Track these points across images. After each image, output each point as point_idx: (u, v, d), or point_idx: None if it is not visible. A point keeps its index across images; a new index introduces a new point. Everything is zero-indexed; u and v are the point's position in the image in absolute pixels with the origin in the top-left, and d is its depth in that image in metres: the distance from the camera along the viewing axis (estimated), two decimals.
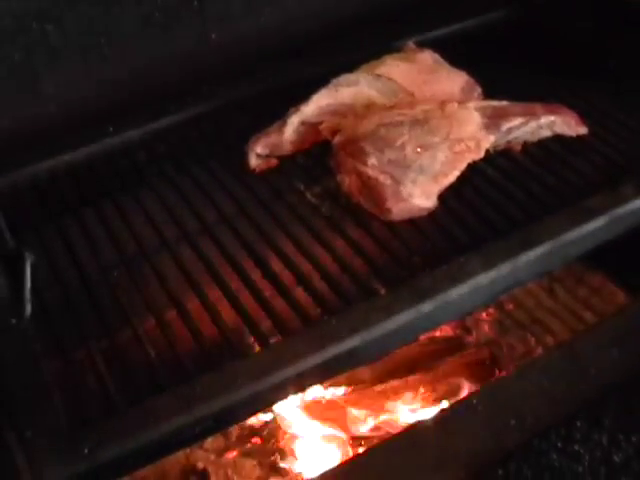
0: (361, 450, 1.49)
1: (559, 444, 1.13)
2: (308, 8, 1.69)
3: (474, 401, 1.18)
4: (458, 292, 1.12)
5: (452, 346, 1.87)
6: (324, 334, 1.06)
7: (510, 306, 1.95)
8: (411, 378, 1.75)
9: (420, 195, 1.24)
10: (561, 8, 1.74)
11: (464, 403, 1.20)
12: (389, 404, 1.69)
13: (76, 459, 0.94)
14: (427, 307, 1.10)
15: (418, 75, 1.46)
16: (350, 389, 1.73)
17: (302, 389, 1.08)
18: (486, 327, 1.91)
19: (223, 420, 1.02)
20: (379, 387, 1.73)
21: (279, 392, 1.04)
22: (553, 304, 1.95)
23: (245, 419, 1.39)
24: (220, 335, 1.10)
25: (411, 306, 1.10)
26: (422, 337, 1.86)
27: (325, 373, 1.08)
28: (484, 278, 1.14)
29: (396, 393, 1.71)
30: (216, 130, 1.48)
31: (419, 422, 1.21)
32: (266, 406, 1.08)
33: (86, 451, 0.94)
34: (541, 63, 1.61)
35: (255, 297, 1.15)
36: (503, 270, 1.15)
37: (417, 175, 1.25)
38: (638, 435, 1.15)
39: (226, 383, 1.01)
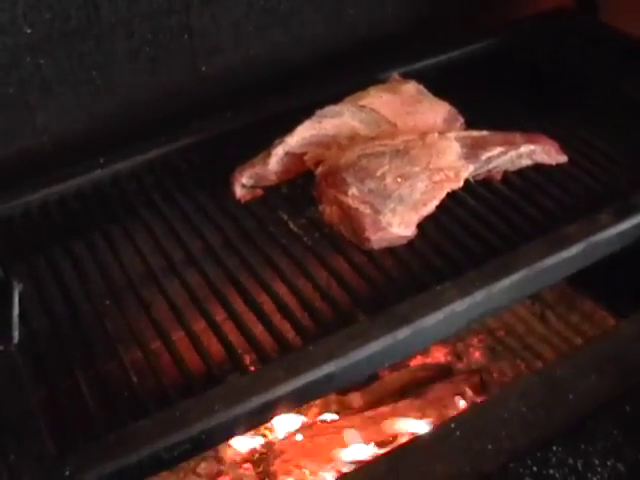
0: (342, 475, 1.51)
1: (534, 468, 1.14)
2: (296, 41, 1.72)
3: (452, 426, 1.19)
4: (434, 319, 1.15)
5: (443, 372, 1.89)
6: (301, 360, 1.09)
7: (501, 332, 1.97)
8: (401, 404, 1.77)
9: (399, 224, 1.26)
10: (545, 39, 1.77)
11: (442, 428, 1.22)
12: (379, 430, 1.71)
13: None
14: (403, 334, 1.12)
15: (401, 106, 1.48)
16: (341, 415, 1.75)
17: (280, 414, 1.09)
18: (477, 353, 1.93)
19: (201, 444, 1.03)
20: (369, 413, 1.75)
21: (256, 417, 1.06)
22: (544, 330, 1.97)
23: (223, 443, 1.41)
24: (202, 363, 1.13)
25: (387, 333, 1.12)
26: (413, 363, 1.89)
27: (302, 398, 1.11)
28: (459, 305, 1.16)
29: (386, 419, 1.72)
30: (204, 161, 1.50)
31: (397, 447, 1.23)
32: (244, 430, 1.10)
33: (67, 474, 0.97)
34: (525, 93, 1.64)
35: (237, 326, 1.18)
36: (478, 297, 1.17)
37: (397, 205, 1.27)
38: (613, 460, 1.16)
39: (204, 408, 1.03)
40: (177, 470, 1.68)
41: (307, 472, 1.63)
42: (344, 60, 1.72)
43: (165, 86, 1.62)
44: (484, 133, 1.41)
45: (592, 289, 1.94)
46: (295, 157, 1.41)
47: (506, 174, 1.41)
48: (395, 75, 1.60)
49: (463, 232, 1.31)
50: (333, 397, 1.77)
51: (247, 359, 1.15)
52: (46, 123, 1.53)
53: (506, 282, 1.19)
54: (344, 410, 1.76)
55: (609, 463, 1.15)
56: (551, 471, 1.14)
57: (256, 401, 1.04)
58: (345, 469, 1.61)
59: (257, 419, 1.08)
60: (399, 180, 1.30)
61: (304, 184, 1.41)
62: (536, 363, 1.88)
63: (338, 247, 1.30)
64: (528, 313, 2.01)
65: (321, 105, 1.47)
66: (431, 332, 1.16)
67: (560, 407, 1.22)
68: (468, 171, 1.34)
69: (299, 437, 1.70)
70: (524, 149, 1.40)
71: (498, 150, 1.38)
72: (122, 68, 1.56)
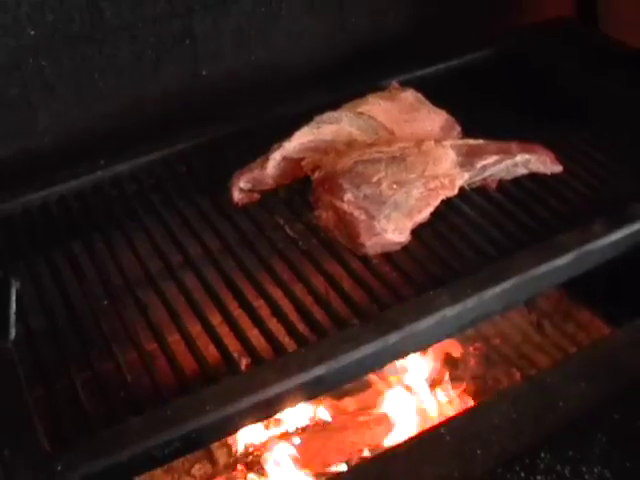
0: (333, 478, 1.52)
1: (522, 474, 1.15)
2: (297, 47, 1.74)
3: (442, 430, 1.20)
4: (425, 324, 1.16)
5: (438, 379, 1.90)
6: (292, 363, 1.10)
7: (497, 341, 1.98)
8: None
9: (393, 230, 1.27)
10: (545, 49, 1.78)
11: (432, 433, 1.22)
12: (372, 434, 1.72)
13: (49, 477, 0.98)
14: (393, 338, 1.14)
15: (399, 113, 1.49)
16: (334, 419, 1.76)
17: (270, 415, 1.11)
18: (472, 361, 1.93)
19: (192, 443, 1.05)
20: (363, 418, 1.75)
21: (247, 417, 1.08)
22: (540, 339, 1.97)
23: (214, 442, 1.42)
24: (197, 364, 1.14)
25: (378, 337, 1.13)
26: None
27: (292, 400, 1.11)
28: (450, 311, 1.17)
29: (379, 424, 1.73)
30: (204, 164, 1.52)
31: (387, 450, 1.24)
32: (234, 430, 1.11)
33: (59, 469, 0.98)
34: (523, 102, 1.64)
35: (232, 328, 1.19)
36: (469, 304, 1.18)
37: (391, 211, 1.28)
38: (601, 467, 1.16)
39: (195, 407, 1.05)
40: (171, 471, 1.69)
41: (300, 474, 1.64)
42: (344, 67, 1.74)
43: (166, 89, 1.63)
44: (480, 142, 1.42)
45: (589, 299, 1.95)
46: (293, 162, 1.42)
47: (502, 182, 1.42)
48: (394, 83, 1.61)
49: (457, 239, 1.31)
50: (327, 401, 1.78)
51: (242, 362, 1.16)
52: (48, 124, 1.55)
53: (498, 289, 1.20)
54: (337, 414, 1.77)
55: (597, 470, 1.16)
56: (539, 477, 1.15)
57: (247, 402, 1.06)
58: (337, 472, 1.62)
59: (248, 419, 1.09)
60: (394, 186, 1.31)
61: (301, 189, 1.42)
62: (531, 372, 1.88)
63: (334, 252, 1.31)
64: (524, 322, 2.01)
65: (320, 111, 1.48)
66: (422, 337, 1.17)
67: (549, 414, 1.22)
68: (463, 179, 1.36)
69: (292, 439, 1.71)
70: (519, 158, 1.41)
71: (493, 159, 1.39)
72: (124, 70, 1.58)
